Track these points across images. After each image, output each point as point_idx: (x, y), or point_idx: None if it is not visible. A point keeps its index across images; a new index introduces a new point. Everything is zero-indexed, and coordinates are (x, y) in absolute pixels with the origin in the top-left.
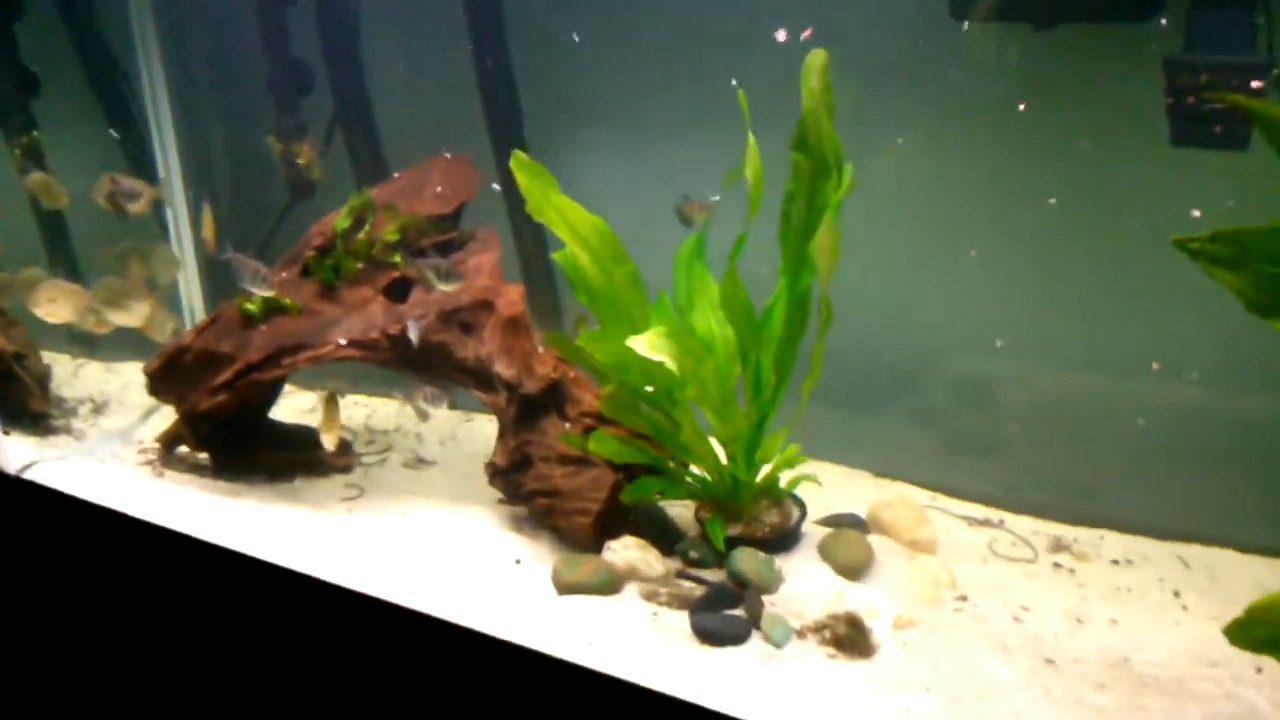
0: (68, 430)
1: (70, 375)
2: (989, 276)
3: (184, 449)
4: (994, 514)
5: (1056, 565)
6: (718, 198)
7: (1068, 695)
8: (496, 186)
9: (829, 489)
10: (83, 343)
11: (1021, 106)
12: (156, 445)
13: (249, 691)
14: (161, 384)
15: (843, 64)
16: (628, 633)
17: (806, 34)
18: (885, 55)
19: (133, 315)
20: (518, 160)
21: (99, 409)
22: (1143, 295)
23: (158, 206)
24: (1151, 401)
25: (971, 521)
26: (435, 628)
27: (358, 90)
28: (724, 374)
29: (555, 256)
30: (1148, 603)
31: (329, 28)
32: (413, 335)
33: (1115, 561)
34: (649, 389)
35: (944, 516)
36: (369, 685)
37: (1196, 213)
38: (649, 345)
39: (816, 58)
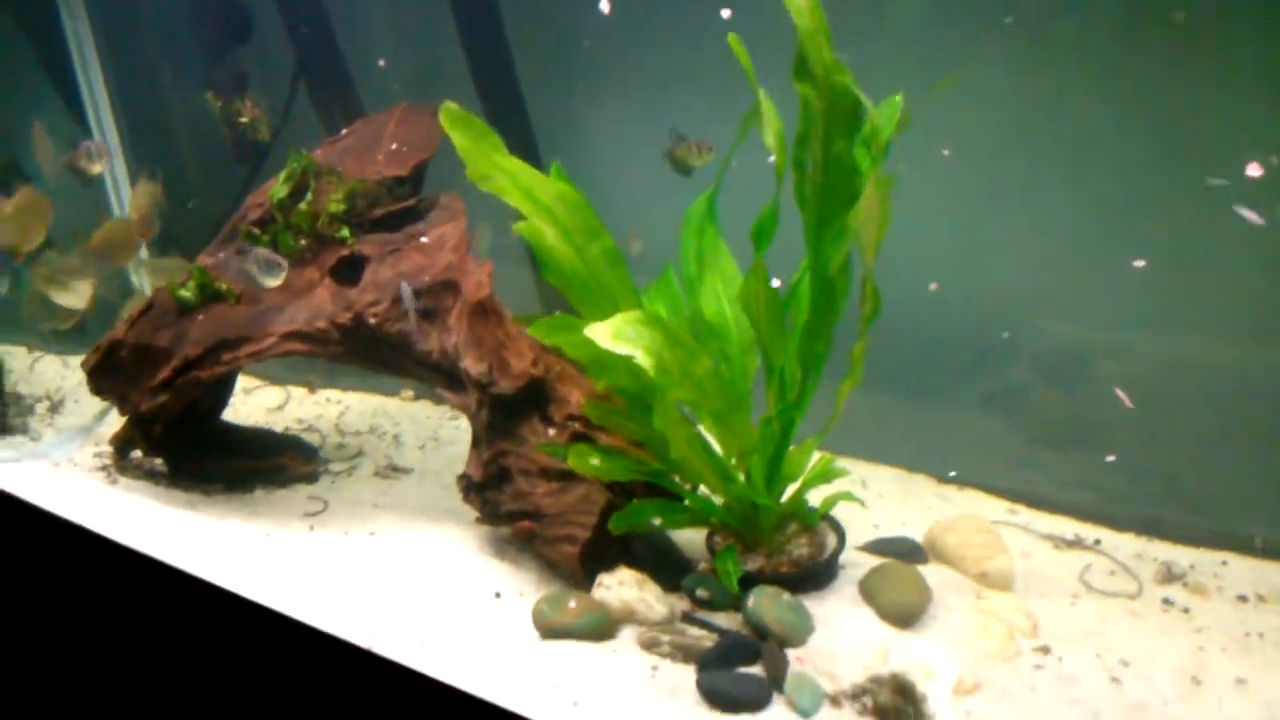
0: (24, 430)
1: (26, 370)
2: (1086, 223)
3: (138, 453)
4: (1088, 531)
5: (1167, 603)
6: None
7: None
8: None
9: (881, 500)
10: (41, 335)
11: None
12: (110, 449)
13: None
14: (102, 381)
15: None
16: (621, 691)
17: None
18: None
19: (77, 295)
20: (449, 114)
21: (55, 407)
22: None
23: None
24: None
25: (1059, 543)
26: (394, 675)
27: (322, 35)
28: (735, 371)
29: (517, 229)
30: None
31: None
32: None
33: (1242, 597)
34: (640, 391)
35: (1024, 537)
36: None
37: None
38: (613, 334)
39: None
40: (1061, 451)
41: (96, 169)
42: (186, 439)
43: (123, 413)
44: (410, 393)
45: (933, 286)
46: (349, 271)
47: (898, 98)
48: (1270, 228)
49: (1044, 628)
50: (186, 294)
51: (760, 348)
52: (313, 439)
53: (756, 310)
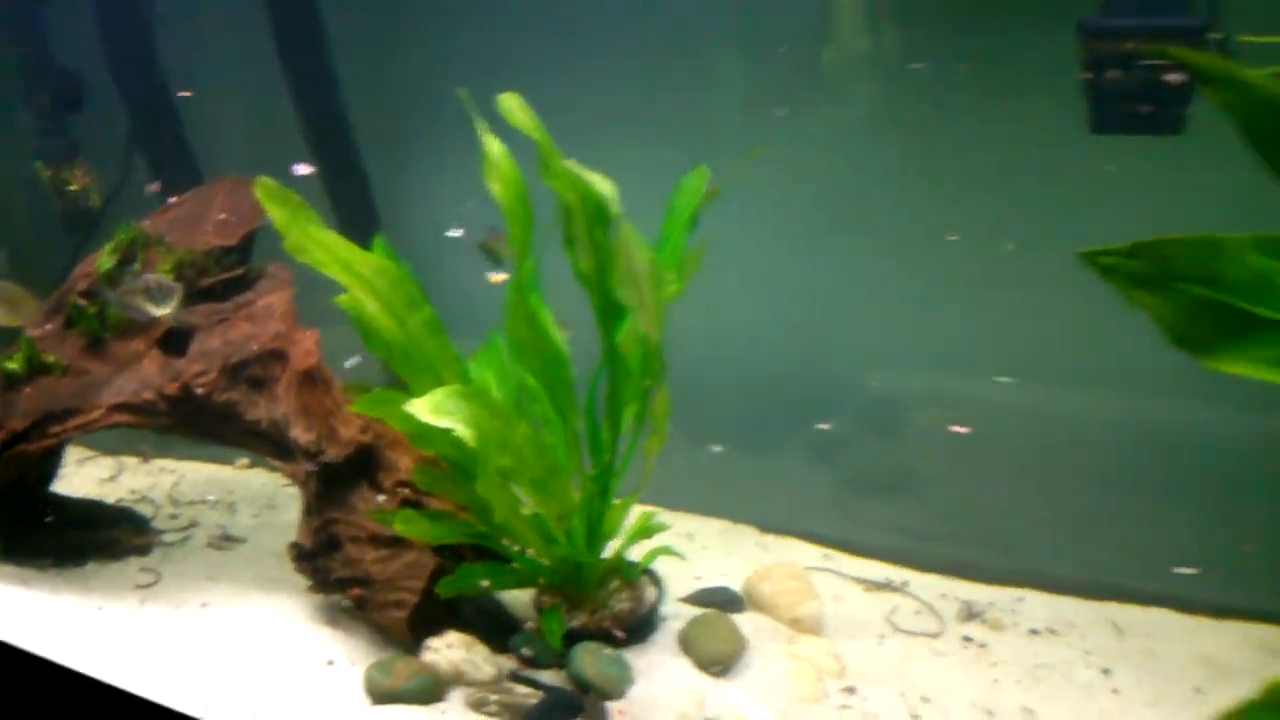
0: None
1: None
2: (894, 277)
3: None
4: (897, 574)
5: (966, 639)
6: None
7: None
8: None
9: (705, 552)
10: None
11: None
12: None
13: None
14: None
15: None
16: None
17: None
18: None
19: None
20: (265, 189)
21: None
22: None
23: None
24: (1083, 426)
25: (869, 585)
26: None
27: (157, 97)
28: (555, 436)
29: (338, 301)
30: (1071, 685)
31: (113, 23)
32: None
33: (1034, 631)
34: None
35: (837, 581)
36: None
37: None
38: (433, 409)
39: (510, 100)
40: (875, 498)
41: None
42: (15, 513)
43: None
44: (245, 461)
45: None
46: (177, 342)
47: (703, 169)
48: (1084, 281)
49: (851, 669)
50: (13, 366)
51: (554, 407)
52: (145, 510)
53: (532, 359)
